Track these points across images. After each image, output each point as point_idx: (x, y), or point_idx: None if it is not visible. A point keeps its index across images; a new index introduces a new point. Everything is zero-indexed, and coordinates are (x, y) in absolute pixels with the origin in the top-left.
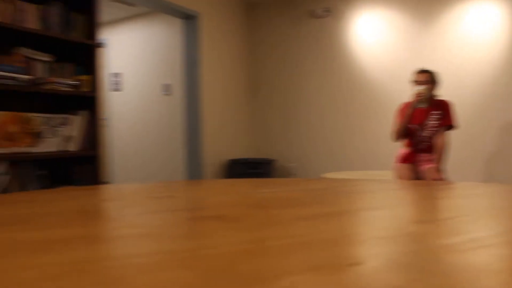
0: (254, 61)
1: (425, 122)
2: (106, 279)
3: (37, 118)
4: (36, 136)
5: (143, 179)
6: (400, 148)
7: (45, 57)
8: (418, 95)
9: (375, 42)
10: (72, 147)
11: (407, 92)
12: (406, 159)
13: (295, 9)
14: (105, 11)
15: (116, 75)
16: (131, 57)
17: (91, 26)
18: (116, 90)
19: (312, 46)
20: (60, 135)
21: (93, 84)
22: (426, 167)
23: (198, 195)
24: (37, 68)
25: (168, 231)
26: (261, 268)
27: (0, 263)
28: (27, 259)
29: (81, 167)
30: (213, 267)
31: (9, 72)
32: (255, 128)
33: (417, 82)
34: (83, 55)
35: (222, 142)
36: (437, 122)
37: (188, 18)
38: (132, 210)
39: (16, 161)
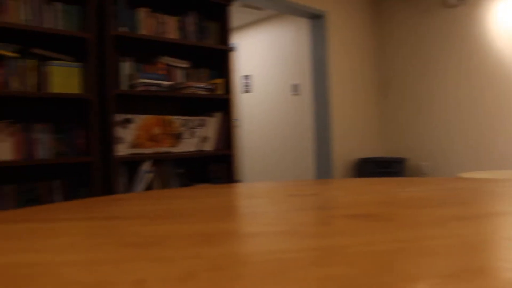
0: (384, 57)
1: None
2: (264, 272)
3: (177, 120)
4: (176, 137)
5: (272, 178)
6: None
7: (183, 64)
8: None
9: None
10: (208, 147)
11: None
12: None
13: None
14: (235, 16)
15: (246, 77)
16: (260, 59)
17: (223, 32)
18: (247, 92)
19: (445, 38)
20: (197, 136)
21: (226, 87)
22: None
23: (338, 193)
24: (177, 74)
25: (316, 228)
26: (420, 266)
27: (165, 253)
28: (188, 250)
29: (216, 166)
30: (370, 265)
31: (153, 79)
32: (386, 125)
33: None
34: (217, 60)
35: (352, 141)
36: None
37: (315, 18)
38: (276, 207)
39: (159, 160)
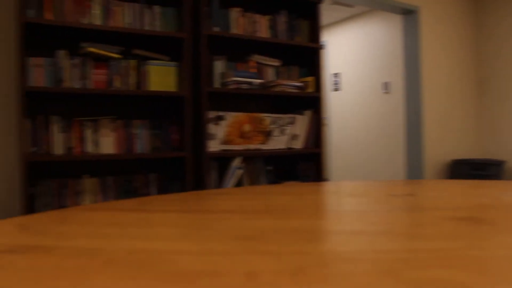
0: (482, 53)
1: None
2: (372, 271)
3: (267, 118)
4: (266, 134)
5: (360, 177)
6: None
7: (274, 62)
8: None
9: None
10: (297, 145)
11: None
12: None
13: None
14: (325, 14)
15: (336, 75)
16: (349, 57)
17: (313, 30)
18: (336, 90)
19: None
20: (287, 134)
21: (316, 85)
22: None
23: (437, 194)
24: (267, 72)
25: (420, 229)
26: None
27: (272, 247)
28: (294, 246)
29: (305, 164)
30: (480, 270)
31: (245, 77)
32: (482, 126)
33: None
34: (307, 58)
35: (445, 141)
36: None
37: (408, 13)
38: (376, 206)
39: (248, 157)
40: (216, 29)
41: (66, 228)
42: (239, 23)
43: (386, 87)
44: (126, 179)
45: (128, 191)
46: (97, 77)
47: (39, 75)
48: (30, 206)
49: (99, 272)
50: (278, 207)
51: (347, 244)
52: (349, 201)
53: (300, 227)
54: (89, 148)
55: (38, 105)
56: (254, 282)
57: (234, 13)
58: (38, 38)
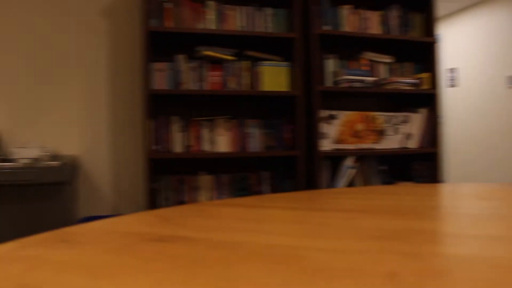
0: None
1: None
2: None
3: (380, 116)
4: (379, 133)
5: (480, 180)
6: None
7: (386, 59)
8: None
9: None
10: (412, 144)
11: None
12: None
13: None
14: (440, 5)
15: (452, 70)
16: (467, 50)
17: (428, 24)
18: (452, 86)
19: None
20: (400, 133)
21: (432, 81)
22: None
23: None
24: (380, 70)
25: None
26: None
27: (409, 248)
28: (432, 247)
29: (419, 165)
30: None
31: (357, 75)
32: None
33: None
34: (421, 53)
35: None
36: None
37: None
38: None
39: (361, 156)
40: (326, 28)
41: (203, 221)
42: (350, 20)
43: (511, 81)
44: (240, 176)
45: (241, 189)
46: (212, 79)
47: (161, 79)
48: (152, 200)
49: (242, 263)
50: (402, 207)
51: (490, 249)
52: (479, 204)
53: (434, 229)
54: (206, 146)
55: (160, 106)
56: (396, 282)
57: (345, 11)
58: (160, 44)
